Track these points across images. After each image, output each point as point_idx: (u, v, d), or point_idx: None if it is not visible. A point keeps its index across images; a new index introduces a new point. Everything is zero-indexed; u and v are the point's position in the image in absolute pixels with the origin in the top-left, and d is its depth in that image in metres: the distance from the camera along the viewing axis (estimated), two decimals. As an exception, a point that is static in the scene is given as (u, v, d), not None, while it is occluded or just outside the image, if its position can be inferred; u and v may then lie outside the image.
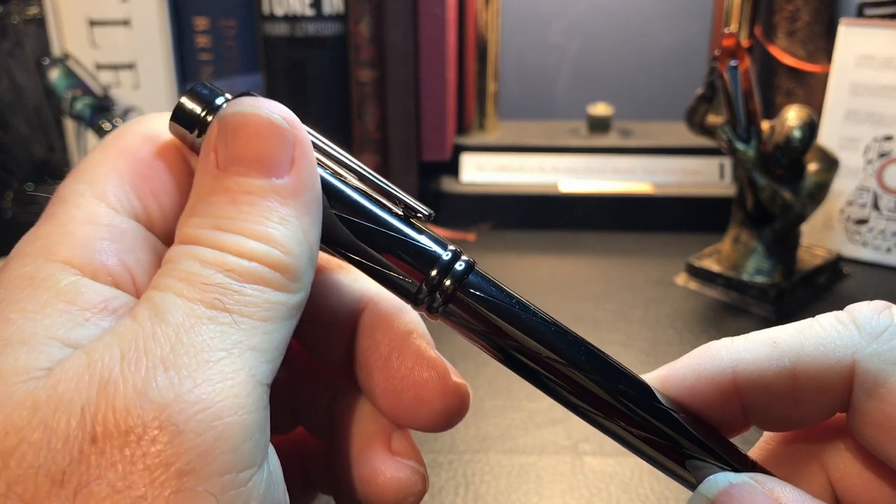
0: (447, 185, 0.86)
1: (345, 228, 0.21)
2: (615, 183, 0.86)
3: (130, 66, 0.79)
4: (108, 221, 0.19)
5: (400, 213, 0.21)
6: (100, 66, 0.79)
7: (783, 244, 0.69)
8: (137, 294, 0.19)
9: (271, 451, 0.18)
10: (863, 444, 0.20)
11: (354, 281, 0.23)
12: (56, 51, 0.78)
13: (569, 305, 0.68)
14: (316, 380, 0.25)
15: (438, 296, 0.21)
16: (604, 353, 0.21)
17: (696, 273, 0.71)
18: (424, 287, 0.21)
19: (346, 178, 0.21)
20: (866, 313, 0.20)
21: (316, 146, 0.21)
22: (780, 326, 0.20)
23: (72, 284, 0.18)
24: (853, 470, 0.21)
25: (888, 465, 0.20)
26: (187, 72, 0.81)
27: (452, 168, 0.87)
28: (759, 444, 0.23)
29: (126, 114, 0.78)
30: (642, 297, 0.70)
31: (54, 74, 0.74)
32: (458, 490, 0.46)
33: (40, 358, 0.16)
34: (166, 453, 0.15)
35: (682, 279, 0.72)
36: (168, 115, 0.21)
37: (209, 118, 0.20)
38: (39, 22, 0.79)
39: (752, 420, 0.21)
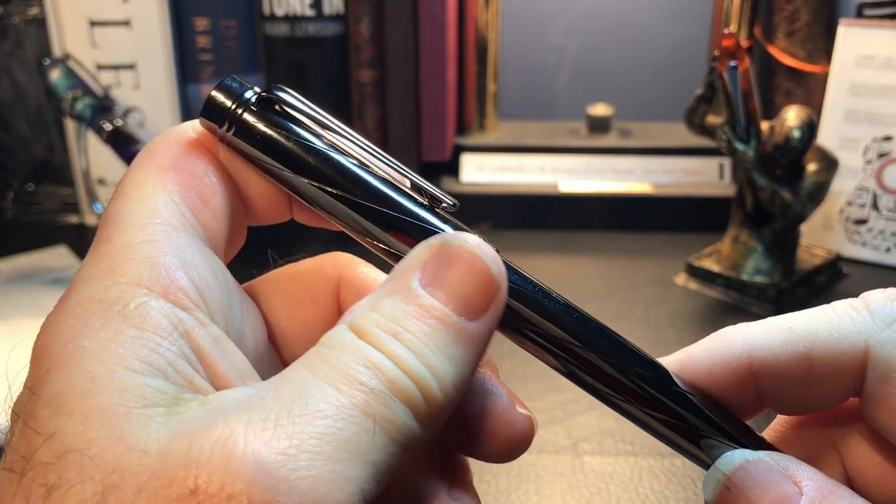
0: (447, 185, 0.86)
1: (367, 215, 0.21)
2: (615, 183, 0.86)
3: (131, 67, 0.79)
4: (165, 237, 0.19)
5: (425, 202, 0.22)
6: (100, 67, 0.79)
7: (783, 244, 0.69)
8: (207, 308, 0.19)
9: None
10: (876, 428, 0.21)
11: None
12: (57, 51, 0.78)
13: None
14: None
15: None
16: (625, 340, 0.21)
17: (696, 273, 0.72)
18: None
19: (372, 167, 0.21)
20: (880, 300, 0.20)
21: (345, 135, 0.21)
22: (795, 313, 0.21)
23: (140, 307, 0.18)
24: (866, 453, 0.22)
25: None
26: (187, 72, 0.81)
27: (452, 168, 0.87)
28: (773, 426, 0.23)
29: (126, 114, 0.78)
30: (642, 297, 0.70)
31: (55, 75, 0.74)
32: (459, 490, 0.46)
33: (132, 396, 0.16)
34: None
35: (681, 279, 0.72)
36: (192, 123, 0.21)
37: (239, 111, 0.21)
38: (40, 22, 0.79)
39: (767, 404, 0.21)
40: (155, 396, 0.16)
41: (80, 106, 0.72)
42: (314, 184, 0.21)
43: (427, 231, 0.21)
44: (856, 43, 0.75)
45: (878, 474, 0.21)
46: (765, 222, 0.69)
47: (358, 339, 0.18)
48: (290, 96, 0.21)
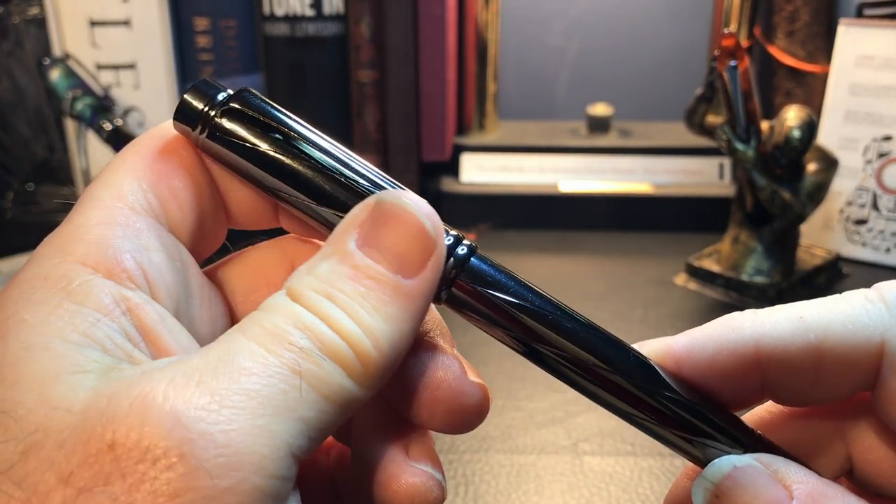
0: (447, 185, 0.86)
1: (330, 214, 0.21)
2: (615, 183, 0.86)
3: (131, 67, 0.79)
4: (123, 221, 0.19)
5: None
6: (100, 67, 0.79)
7: (782, 244, 0.69)
8: (152, 290, 0.19)
9: None
10: (888, 423, 0.20)
11: None
12: (57, 51, 0.78)
13: (569, 305, 0.68)
14: None
15: (440, 281, 0.21)
16: (609, 333, 0.21)
17: (696, 273, 0.72)
18: None
19: (342, 173, 0.21)
20: (895, 292, 0.20)
21: (307, 138, 0.21)
22: (806, 301, 0.20)
23: (84, 285, 0.18)
24: (875, 447, 0.21)
25: None
26: (187, 72, 0.81)
27: (452, 168, 0.87)
28: (772, 405, 0.23)
29: (126, 114, 0.78)
30: (642, 297, 0.70)
31: (55, 75, 0.74)
32: (458, 490, 0.46)
33: (65, 363, 0.17)
34: (176, 484, 0.15)
35: (681, 279, 0.72)
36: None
37: (212, 114, 0.21)
38: (40, 22, 0.79)
39: (770, 395, 0.21)
40: (89, 364, 0.17)
41: (80, 106, 0.72)
42: (285, 184, 0.21)
43: None
44: (856, 43, 0.75)
45: (887, 468, 0.21)
46: (765, 222, 0.69)
47: (291, 302, 0.18)
48: (258, 100, 0.21)
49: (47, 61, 0.75)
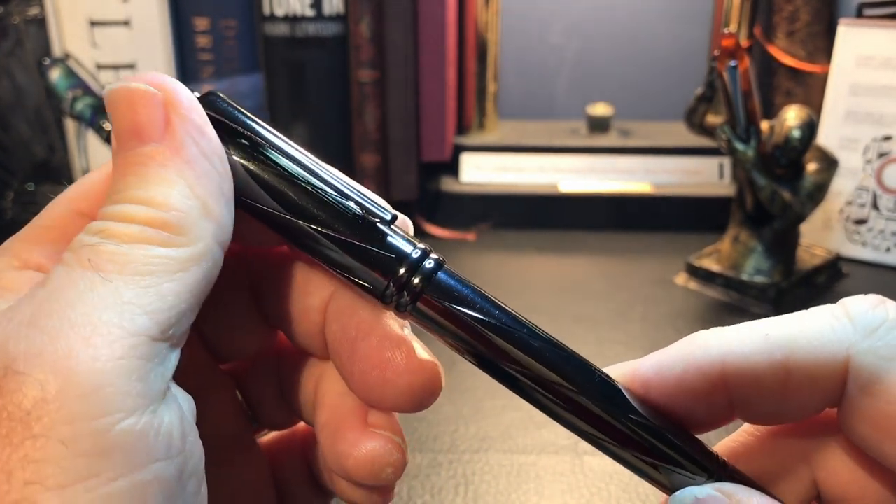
0: (447, 185, 0.86)
1: (305, 234, 0.21)
2: (615, 183, 0.86)
3: (131, 67, 0.79)
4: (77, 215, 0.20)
5: (361, 213, 0.21)
6: (100, 67, 0.79)
7: (782, 244, 0.69)
8: None
9: (175, 415, 0.17)
10: (854, 441, 0.20)
11: (323, 267, 0.23)
12: (57, 51, 0.78)
13: (569, 305, 0.68)
14: (301, 365, 0.25)
15: (406, 294, 0.21)
16: (575, 353, 0.21)
17: (696, 273, 0.72)
18: (392, 286, 0.21)
19: (307, 181, 0.21)
20: (861, 307, 0.19)
21: (273, 145, 0.21)
22: (772, 318, 0.20)
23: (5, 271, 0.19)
24: (842, 467, 0.21)
25: (881, 462, 0.19)
26: (187, 72, 0.81)
27: (452, 168, 0.87)
28: (736, 436, 0.23)
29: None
30: (642, 296, 0.70)
31: (55, 75, 0.74)
32: (458, 490, 0.46)
33: None
34: (11, 404, 0.15)
35: (681, 279, 0.72)
36: None
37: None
38: (40, 22, 0.79)
39: (738, 413, 0.21)
40: None
41: (80, 106, 0.72)
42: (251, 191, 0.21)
43: (363, 249, 0.21)
44: (856, 43, 0.75)
45: (854, 488, 0.21)
46: (765, 222, 0.69)
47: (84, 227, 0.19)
48: (225, 103, 0.21)
49: (47, 61, 0.75)
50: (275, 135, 0.21)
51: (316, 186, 0.21)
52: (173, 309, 0.18)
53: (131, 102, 0.19)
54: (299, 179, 0.21)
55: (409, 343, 0.22)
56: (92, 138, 0.75)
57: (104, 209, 0.19)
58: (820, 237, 0.78)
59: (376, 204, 0.21)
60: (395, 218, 0.21)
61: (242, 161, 0.21)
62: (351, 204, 0.21)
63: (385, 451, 0.22)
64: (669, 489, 0.21)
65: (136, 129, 0.19)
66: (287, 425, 0.27)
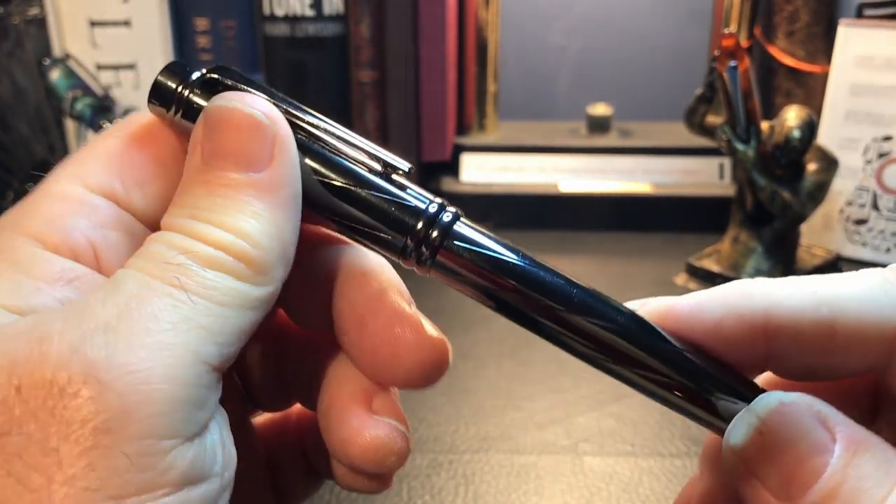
0: (447, 185, 0.86)
1: (325, 191, 0.21)
2: (615, 183, 0.86)
3: (131, 67, 0.79)
4: (79, 198, 0.20)
5: (380, 169, 0.21)
6: (100, 67, 0.79)
7: (782, 244, 0.69)
8: (100, 269, 0.20)
9: (217, 435, 0.18)
10: None
11: (330, 242, 0.23)
12: (57, 51, 0.78)
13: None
14: (301, 346, 0.25)
15: (425, 249, 0.21)
16: (600, 292, 0.21)
17: (696, 273, 0.72)
18: (410, 241, 0.21)
19: (323, 140, 0.21)
20: None
21: (290, 111, 0.21)
22: (821, 276, 0.20)
23: (29, 256, 0.18)
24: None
25: None
26: (188, 72, 0.81)
27: (452, 168, 0.87)
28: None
29: (126, 114, 0.78)
30: (642, 297, 0.69)
31: (55, 75, 0.74)
32: (458, 490, 0.46)
33: None
34: (85, 409, 0.16)
35: (681, 279, 0.72)
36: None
37: (185, 93, 0.21)
38: (40, 22, 0.79)
39: (772, 366, 0.20)
40: None
41: (80, 106, 0.72)
42: None
43: (385, 200, 0.21)
44: (856, 43, 0.75)
45: None
46: (765, 222, 0.69)
47: (161, 233, 0.19)
48: (233, 75, 0.21)
49: (47, 61, 0.75)
50: (286, 100, 0.21)
51: (330, 144, 0.21)
52: (234, 345, 0.18)
53: (241, 127, 0.19)
54: (318, 139, 0.21)
55: (417, 319, 0.22)
56: (92, 138, 0.75)
57: (186, 222, 0.19)
58: (820, 237, 0.78)
59: (391, 156, 0.21)
60: (412, 169, 0.22)
61: None
62: (366, 158, 0.21)
63: (389, 439, 0.22)
64: (710, 422, 0.20)
65: (241, 155, 0.19)
66: (283, 407, 0.27)
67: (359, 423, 0.22)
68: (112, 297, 0.17)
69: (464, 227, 0.21)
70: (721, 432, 0.20)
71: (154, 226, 0.21)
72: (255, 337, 0.26)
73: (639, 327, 0.20)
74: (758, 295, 0.20)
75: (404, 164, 0.21)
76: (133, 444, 0.16)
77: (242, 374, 0.26)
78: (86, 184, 0.20)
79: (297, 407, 0.27)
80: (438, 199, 0.21)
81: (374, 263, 0.23)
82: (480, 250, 0.21)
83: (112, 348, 0.16)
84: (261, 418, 0.27)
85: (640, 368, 0.20)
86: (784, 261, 0.69)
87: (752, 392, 0.20)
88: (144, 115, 0.22)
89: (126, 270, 0.18)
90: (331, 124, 0.21)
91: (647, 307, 0.21)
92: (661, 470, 0.48)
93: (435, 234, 0.21)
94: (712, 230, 0.78)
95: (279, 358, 0.26)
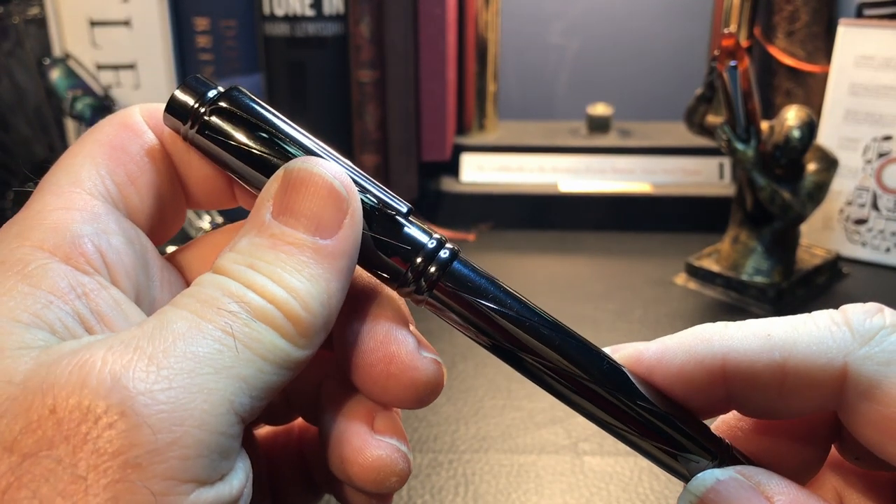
0: (447, 185, 0.86)
1: None
2: (615, 183, 0.86)
3: (131, 67, 0.79)
4: (81, 205, 0.20)
5: (378, 207, 0.22)
6: (100, 67, 0.79)
7: (782, 244, 0.69)
8: (111, 276, 0.20)
9: (237, 483, 0.18)
10: (859, 440, 0.20)
11: None
12: (57, 51, 0.78)
13: (569, 306, 0.68)
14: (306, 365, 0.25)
15: (423, 282, 0.21)
16: (585, 340, 0.22)
17: (696, 273, 0.72)
18: (410, 274, 0.21)
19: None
20: (859, 315, 0.20)
21: (292, 139, 0.21)
22: (776, 319, 0.21)
23: (40, 268, 0.18)
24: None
25: (886, 461, 0.20)
26: (187, 72, 0.81)
27: (452, 168, 0.87)
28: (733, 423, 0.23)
29: (126, 114, 0.78)
30: (642, 297, 0.70)
31: (55, 74, 0.74)
32: (458, 490, 0.46)
33: (10, 340, 0.17)
34: (119, 441, 0.16)
35: (681, 279, 0.72)
36: (141, 106, 0.22)
37: (201, 109, 0.21)
38: (40, 22, 0.79)
39: (735, 406, 0.21)
40: (35, 343, 0.17)
41: (80, 106, 0.72)
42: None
43: (387, 236, 0.21)
44: (856, 43, 0.75)
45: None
46: (765, 222, 0.69)
47: (218, 276, 0.19)
48: (248, 98, 0.22)
49: (47, 61, 0.75)
50: (293, 128, 0.22)
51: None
52: (263, 400, 0.18)
53: (320, 193, 0.20)
54: None
55: (414, 340, 0.22)
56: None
57: (243, 271, 0.19)
58: (820, 237, 0.78)
59: (392, 196, 0.22)
60: (410, 210, 0.22)
61: (262, 153, 0.21)
62: (368, 197, 0.22)
63: (391, 460, 0.22)
64: (679, 473, 0.21)
65: (314, 219, 0.20)
66: (285, 421, 0.27)
67: (360, 443, 0.22)
68: (160, 332, 0.17)
69: (461, 266, 0.22)
70: (686, 480, 0.21)
71: (146, 222, 0.22)
72: None
73: (615, 380, 0.21)
74: (716, 340, 0.21)
75: (403, 206, 0.22)
76: (158, 482, 0.16)
77: None
78: (84, 188, 0.20)
79: (300, 420, 0.27)
80: (438, 236, 0.22)
81: (374, 281, 0.23)
82: (474, 286, 0.22)
83: (152, 385, 0.16)
84: (263, 430, 0.27)
85: (613, 419, 0.21)
86: (784, 261, 0.69)
87: (713, 446, 0.21)
88: (123, 113, 0.22)
89: (177, 310, 0.18)
90: (335, 156, 0.22)
91: (620, 353, 0.22)
92: (660, 470, 0.48)
93: (433, 269, 0.21)
94: (712, 230, 0.78)
95: None
